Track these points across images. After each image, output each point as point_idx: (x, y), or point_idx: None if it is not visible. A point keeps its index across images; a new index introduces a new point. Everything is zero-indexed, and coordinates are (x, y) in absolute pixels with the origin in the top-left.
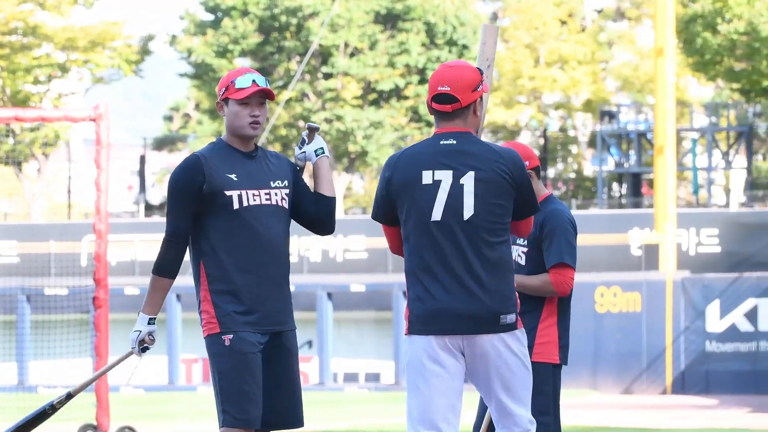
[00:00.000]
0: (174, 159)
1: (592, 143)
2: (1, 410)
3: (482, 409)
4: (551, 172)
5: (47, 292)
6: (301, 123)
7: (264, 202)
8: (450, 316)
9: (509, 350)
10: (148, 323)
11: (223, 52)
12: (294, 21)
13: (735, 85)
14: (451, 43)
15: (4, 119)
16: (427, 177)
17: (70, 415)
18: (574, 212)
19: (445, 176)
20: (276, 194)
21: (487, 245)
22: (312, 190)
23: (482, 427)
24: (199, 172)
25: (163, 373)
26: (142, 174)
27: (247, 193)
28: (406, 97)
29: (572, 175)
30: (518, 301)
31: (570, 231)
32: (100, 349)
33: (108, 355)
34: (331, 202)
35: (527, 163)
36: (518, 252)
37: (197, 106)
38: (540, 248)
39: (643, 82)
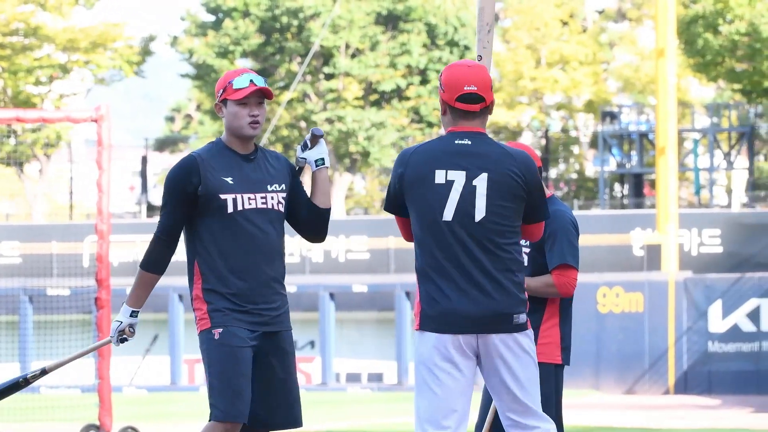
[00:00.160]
0: (175, 160)
1: (593, 144)
2: (4, 411)
3: (484, 409)
4: (553, 173)
5: (49, 292)
6: (303, 124)
7: (260, 206)
8: (464, 316)
9: (522, 349)
10: (131, 315)
11: (224, 53)
12: (295, 22)
13: (736, 86)
14: (452, 43)
15: (6, 120)
16: (440, 176)
17: (73, 416)
18: (576, 213)
19: (458, 177)
20: (272, 198)
21: (497, 246)
22: (309, 196)
23: (485, 426)
24: (194, 174)
25: (165, 374)
26: (143, 175)
27: (242, 196)
28: (408, 98)
29: (574, 176)
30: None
31: (572, 232)
32: (102, 349)
33: (110, 356)
34: (324, 213)
35: None
36: None
37: (198, 107)
38: (541, 249)
39: (644, 83)
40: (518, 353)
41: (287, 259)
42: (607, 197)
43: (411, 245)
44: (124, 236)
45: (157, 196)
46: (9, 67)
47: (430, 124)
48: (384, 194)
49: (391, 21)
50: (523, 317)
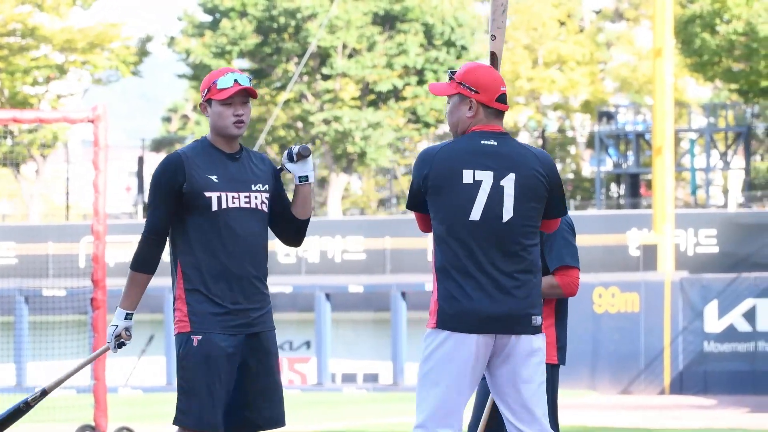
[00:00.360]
0: None
1: (590, 144)
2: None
3: (478, 409)
4: None
5: (45, 293)
6: (299, 124)
7: (243, 204)
8: (485, 316)
9: (536, 352)
10: (125, 318)
11: (221, 54)
12: (292, 22)
13: (733, 86)
14: (449, 44)
15: (3, 120)
16: (467, 176)
17: (68, 416)
18: (573, 213)
19: (486, 177)
20: (256, 197)
21: (521, 247)
22: (290, 203)
23: (479, 427)
24: (179, 171)
25: (161, 374)
26: (140, 175)
27: (227, 195)
28: (405, 98)
29: (570, 176)
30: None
31: (568, 231)
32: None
33: (106, 357)
34: (301, 223)
35: None
36: None
37: (195, 108)
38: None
39: (641, 83)
40: (533, 355)
41: (283, 260)
42: (604, 197)
43: (407, 246)
44: (120, 237)
45: None
46: (6, 68)
47: (427, 125)
48: (381, 195)
49: (388, 21)
50: (539, 319)
